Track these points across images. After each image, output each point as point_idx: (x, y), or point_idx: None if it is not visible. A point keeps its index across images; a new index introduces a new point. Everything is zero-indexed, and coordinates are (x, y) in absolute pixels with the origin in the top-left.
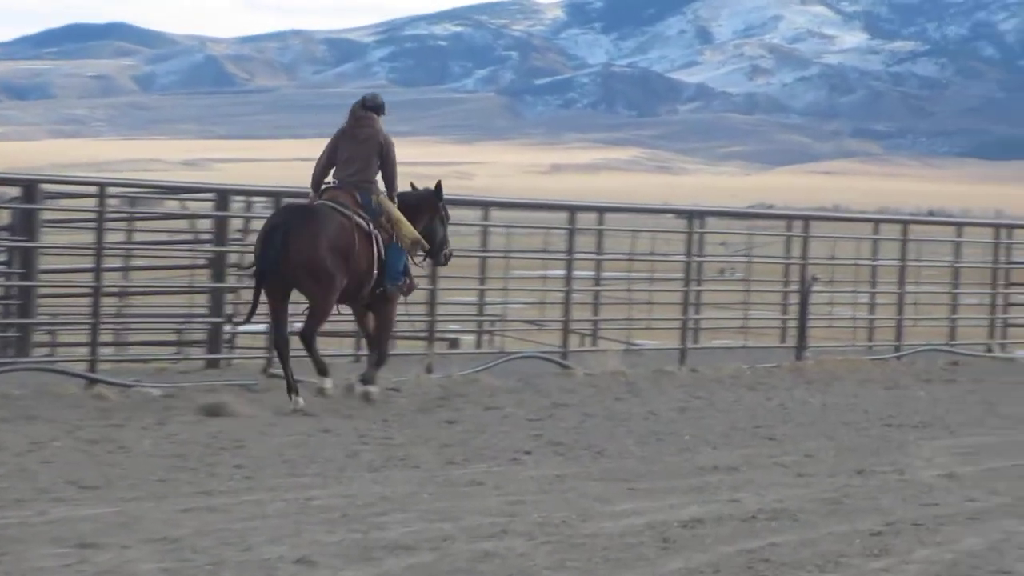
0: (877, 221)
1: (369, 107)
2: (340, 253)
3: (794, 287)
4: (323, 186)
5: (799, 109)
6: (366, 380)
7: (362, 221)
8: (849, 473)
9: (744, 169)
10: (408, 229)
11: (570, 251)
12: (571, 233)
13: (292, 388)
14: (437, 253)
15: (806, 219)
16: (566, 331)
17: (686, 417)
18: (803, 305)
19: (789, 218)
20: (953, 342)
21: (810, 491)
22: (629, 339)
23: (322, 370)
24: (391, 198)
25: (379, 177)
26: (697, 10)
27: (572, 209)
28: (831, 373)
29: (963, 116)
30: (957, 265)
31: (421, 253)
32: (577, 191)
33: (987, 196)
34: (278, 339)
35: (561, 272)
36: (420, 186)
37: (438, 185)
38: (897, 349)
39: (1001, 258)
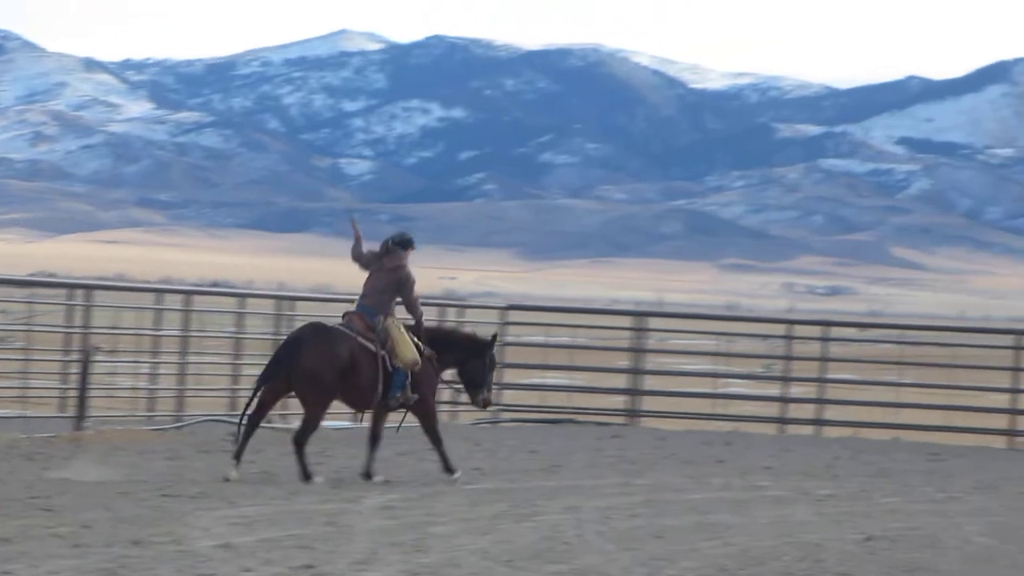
0: (160, 291)
1: (397, 243)
2: (340, 373)
3: (75, 356)
4: (344, 311)
5: (83, 177)
6: (447, 470)
7: (369, 344)
8: (125, 543)
9: (25, 236)
10: (405, 350)
11: None
12: None
13: (237, 456)
14: (475, 393)
15: (88, 288)
16: None
17: None
18: (83, 374)
19: (71, 287)
20: (234, 412)
21: (86, 562)
22: None
23: (305, 475)
24: (417, 320)
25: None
26: None
27: None
28: (111, 443)
29: (247, 188)
30: (239, 336)
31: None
32: None
33: (270, 268)
34: (252, 419)
35: None
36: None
37: (494, 337)
38: (178, 419)
39: (283, 329)
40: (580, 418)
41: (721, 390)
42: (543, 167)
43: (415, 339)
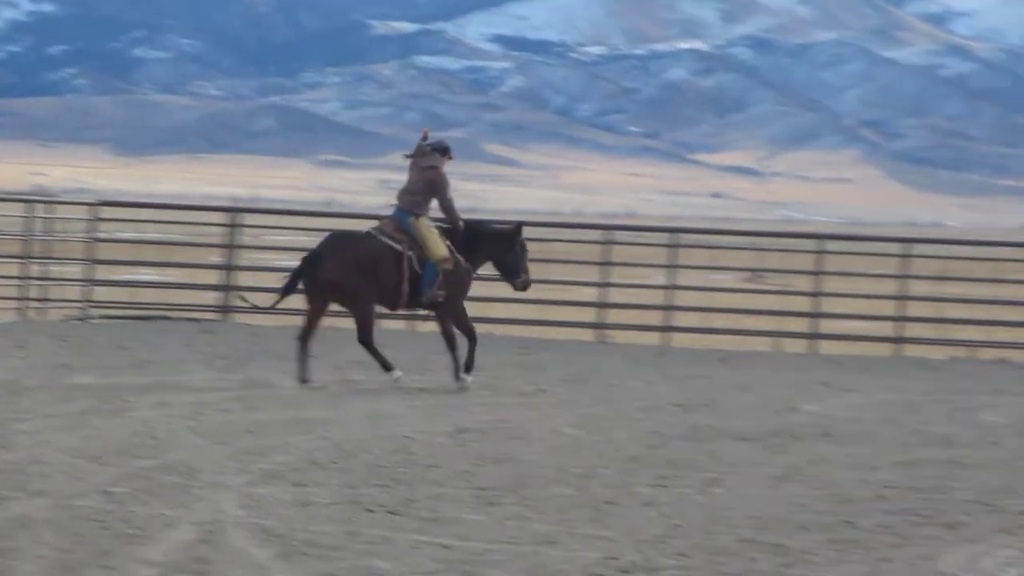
0: None
1: (435, 148)
2: (364, 272)
3: None
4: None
5: None
6: (467, 368)
7: (395, 244)
8: None
9: None
10: (435, 247)
11: None
12: None
13: (302, 376)
14: (513, 279)
15: None
16: None
17: None
18: None
19: None
20: None
21: None
22: None
23: (386, 366)
24: (454, 221)
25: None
26: None
27: None
28: None
29: None
30: None
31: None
32: None
33: None
34: (302, 335)
35: None
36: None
37: (519, 225)
38: None
39: None
40: (173, 314)
41: None
42: (135, 62)
43: (448, 244)
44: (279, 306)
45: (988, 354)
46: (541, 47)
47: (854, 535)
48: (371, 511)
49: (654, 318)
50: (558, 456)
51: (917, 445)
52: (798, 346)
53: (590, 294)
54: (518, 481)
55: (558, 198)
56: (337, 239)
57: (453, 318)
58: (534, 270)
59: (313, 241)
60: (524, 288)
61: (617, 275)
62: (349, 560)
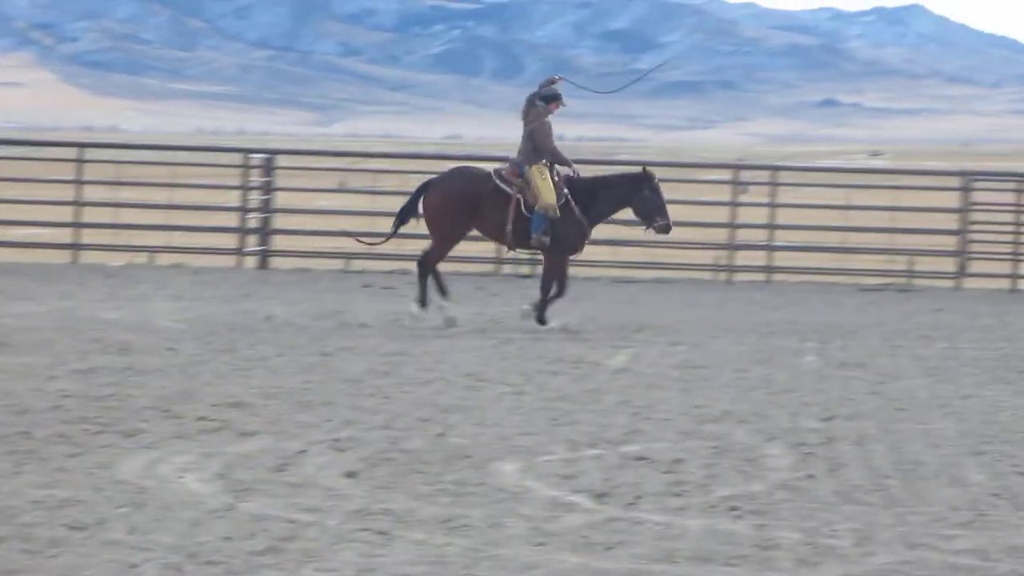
0: None
1: (542, 98)
2: (461, 209)
3: None
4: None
5: None
6: (539, 317)
7: (506, 187)
8: None
9: None
10: (544, 196)
11: None
12: None
13: (421, 300)
14: (651, 223)
15: None
16: None
17: None
18: None
19: None
20: None
21: None
22: None
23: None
24: (564, 165)
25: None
26: None
27: None
28: None
29: None
30: None
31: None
32: None
33: None
34: (421, 260)
35: None
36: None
37: (644, 168)
38: None
39: None
40: None
41: None
42: None
43: (568, 194)
44: None
45: (166, 259)
46: None
47: (30, 446)
48: None
49: None
50: None
51: (95, 353)
52: None
53: None
54: None
55: None
56: (452, 173)
57: (550, 265)
58: None
59: None
60: (666, 232)
61: None
62: None
